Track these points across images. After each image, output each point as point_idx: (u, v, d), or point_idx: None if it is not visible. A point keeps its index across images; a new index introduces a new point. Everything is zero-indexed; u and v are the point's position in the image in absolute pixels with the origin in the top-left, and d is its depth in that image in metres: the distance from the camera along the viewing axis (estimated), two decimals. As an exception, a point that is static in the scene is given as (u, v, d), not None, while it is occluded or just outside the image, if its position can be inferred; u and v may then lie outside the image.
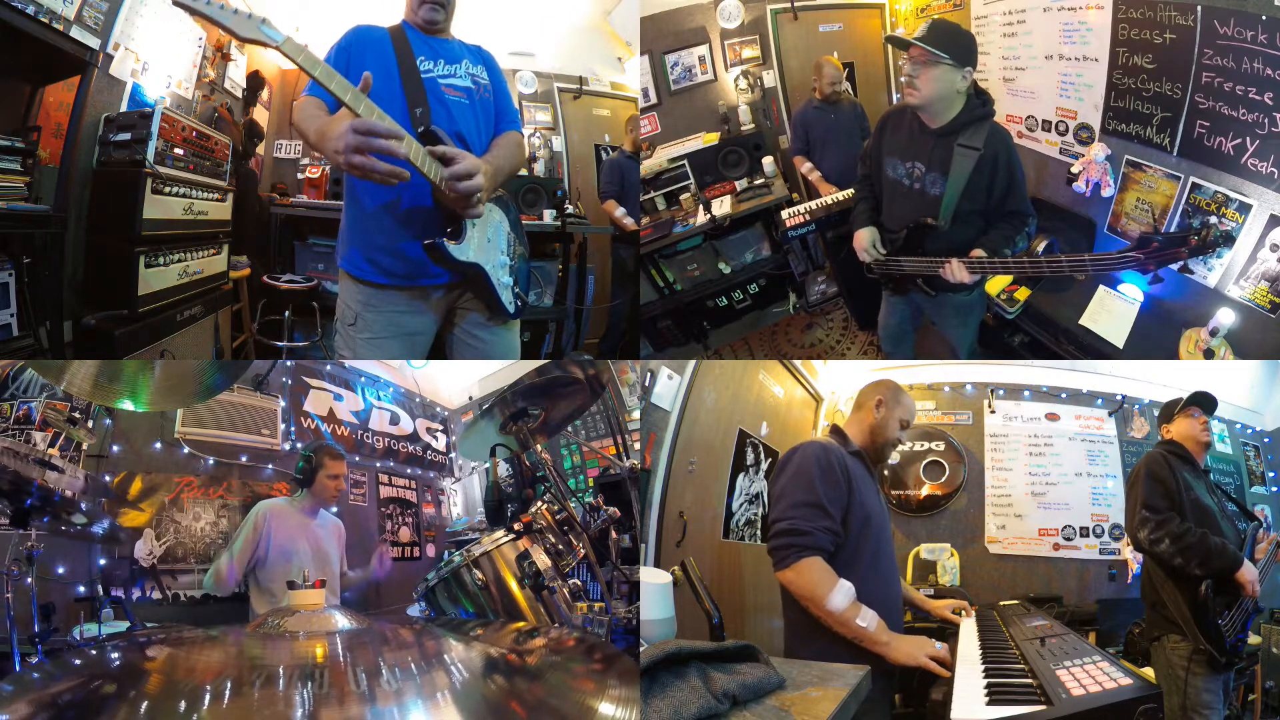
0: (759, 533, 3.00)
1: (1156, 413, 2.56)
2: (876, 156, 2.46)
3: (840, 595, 1.60)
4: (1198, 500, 2.12)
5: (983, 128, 2.17)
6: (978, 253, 2.15)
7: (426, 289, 1.95)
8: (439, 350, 2.10)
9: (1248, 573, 1.99)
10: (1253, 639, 2.73)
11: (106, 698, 0.78)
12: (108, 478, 2.69)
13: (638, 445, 2.58)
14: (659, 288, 4.02)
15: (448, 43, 1.99)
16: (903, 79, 2.19)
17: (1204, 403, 2.29)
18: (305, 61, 1.55)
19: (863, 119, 3.91)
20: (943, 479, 3.67)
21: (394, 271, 1.91)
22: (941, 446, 3.70)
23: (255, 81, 4.26)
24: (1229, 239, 2.30)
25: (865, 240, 2.46)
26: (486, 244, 1.94)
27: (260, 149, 4.49)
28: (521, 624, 1.57)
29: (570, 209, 4.81)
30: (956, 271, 2.13)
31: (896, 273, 2.44)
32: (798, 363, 3.55)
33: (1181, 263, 1.84)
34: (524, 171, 5.26)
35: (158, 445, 2.93)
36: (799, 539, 1.65)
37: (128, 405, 1.64)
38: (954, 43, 2.12)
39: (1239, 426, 4.03)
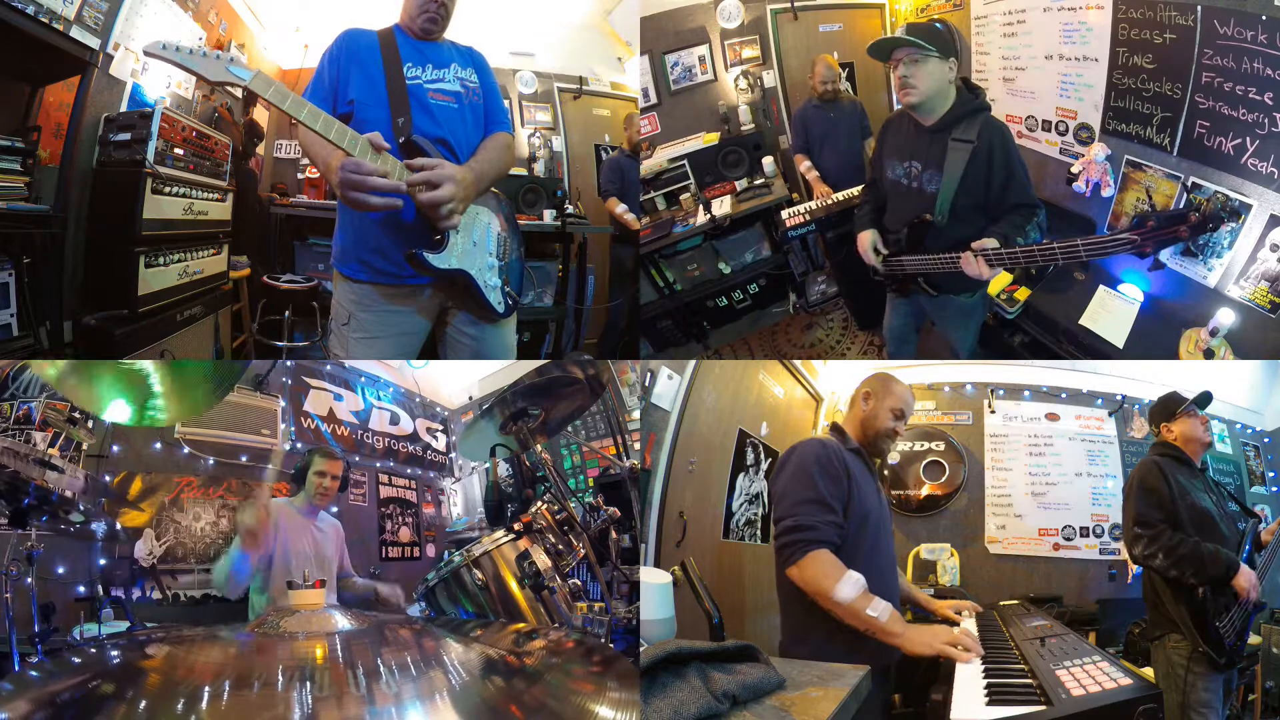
0: (759, 533, 3.00)
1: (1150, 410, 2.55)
2: (879, 160, 2.49)
3: (848, 585, 1.59)
4: (1194, 505, 2.11)
5: (976, 120, 2.16)
6: (990, 243, 2.06)
7: (417, 288, 1.98)
8: (431, 348, 2.13)
9: (1244, 578, 1.99)
10: (1253, 639, 2.73)
11: (105, 697, 0.78)
12: (108, 478, 2.69)
13: (638, 445, 2.58)
14: (659, 288, 4.02)
15: (438, 46, 2.01)
16: (898, 82, 2.19)
17: (1203, 402, 2.29)
18: (274, 96, 1.59)
19: (863, 118, 3.91)
20: (943, 479, 3.67)
21: (385, 270, 1.94)
22: (941, 446, 3.70)
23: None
24: (1234, 212, 2.27)
25: (866, 243, 2.48)
26: (472, 248, 1.96)
27: (260, 149, 4.49)
28: (521, 625, 1.57)
29: (570, 209, 4.81)
30: (975, 264, 2.06)
31: (899, 273, 2.44)
32: (798, 363, 3.55)
33: (1185, 243, 1.74)
34: (524, 171, 5.26)
35: (158, 445, 2.93)
36: (805, 534, 1.64)
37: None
38: (934, 36, 2.14)
39: (1239, 426, 4.02)
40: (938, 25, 2.27)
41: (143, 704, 0.76)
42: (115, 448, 2.75)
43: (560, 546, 1.86)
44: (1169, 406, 2.34)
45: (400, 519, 4.09)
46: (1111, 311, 2.78)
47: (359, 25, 2.00)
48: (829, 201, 3.59)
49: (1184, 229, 1.71)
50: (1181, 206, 2.56)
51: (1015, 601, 2.95)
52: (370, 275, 1.95)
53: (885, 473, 3.66)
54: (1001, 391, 3.77)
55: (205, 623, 2.42)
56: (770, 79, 4.52)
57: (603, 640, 1.63)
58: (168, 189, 3.09)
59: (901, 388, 1.97)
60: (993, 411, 3.75)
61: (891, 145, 2.41)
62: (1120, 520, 3.49)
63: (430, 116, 1.91)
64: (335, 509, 2.92)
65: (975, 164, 2.13)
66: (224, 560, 2.39)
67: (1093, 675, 1.47)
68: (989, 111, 2.21)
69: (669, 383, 2.59)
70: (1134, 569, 3.38)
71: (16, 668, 1.67)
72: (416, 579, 2.02)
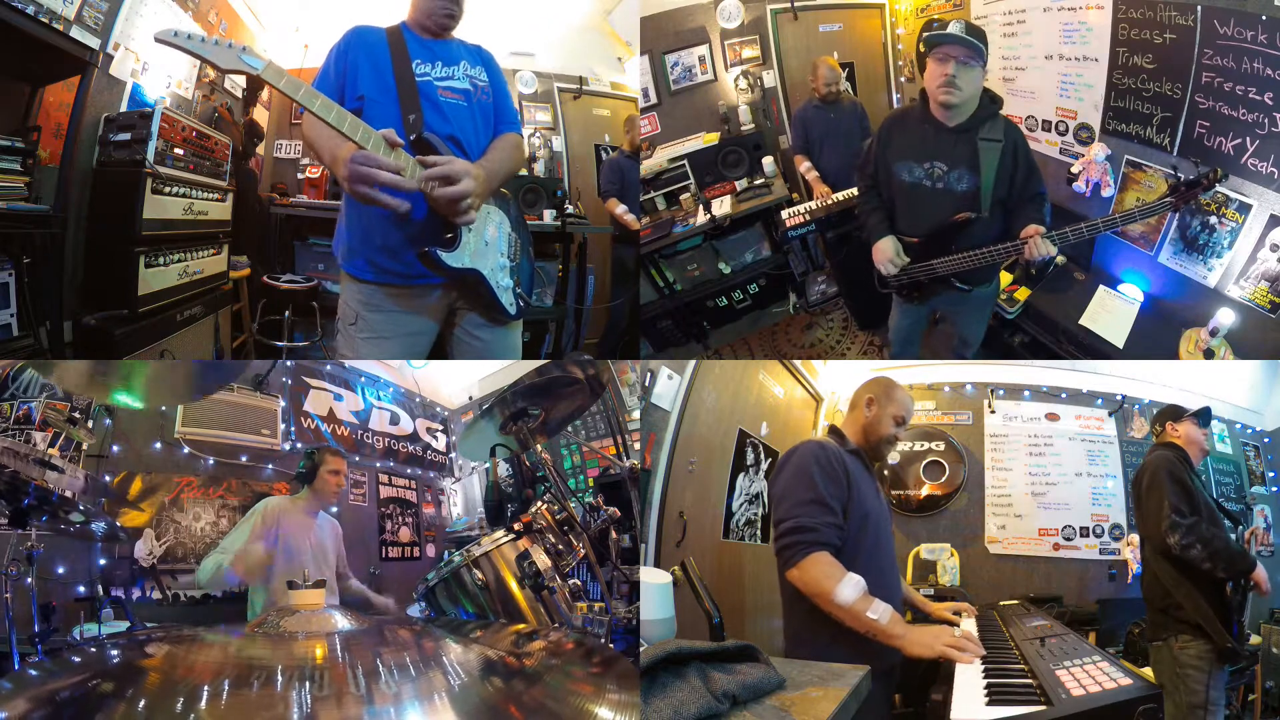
0: (759, 533, 3.00)
1: (1155, 413, 2.58)
2: (883, 163, 2.41)
3: (849, 588, 1.58)
4: (1206, 502, 2.17)
5: (998, 121, 2.23)
6: (1039, 227, 2.16)
7: (425, 288, 1.95)
8: (440, 349, 2.10)
9: (1262, 572, 2.05)
10: (1253, 639, 2.73)
11: (105, 696, 0.78)
12: (108, 478, 2.69)
13: (638, 445, 2.58)
14: (659, 288, 4.02)
15: (447, 44, 1.98)
16: (941, 78, 2.16)
17: (1206, 417, 2.39)
18: (287, 86, 1.60)
19: (863, 118, 3.91)
20: (943, 479, 3.67)
21: (393, 270, 1.90)
22: (941, 446, 3.70)
23: (255, 81, 4.25)
24: (1226, 175, 2.35)
25: (890, 250, 2.37)
26: (484, 247, 1.93)
27: (260, 149, 4.49)
28: (521, 626, 1.57)
29: (570, 209, 4.81)
30: (1041, 247, 2.12)
31: (925, 277, 2.40)
32: (798, 363, 3.55)
33: (1198, 197, 2.16)
34: (524, 171, 5.26)
35: (158, 445, 2.93)
36: (805, 535, 1.64)
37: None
38: (986, 43, 2.17)
39: (1239, 426, 4.03)
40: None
41: (142, 704, 0.76)
42: (115, 448, 2.75)
43: (560, 546, 1.86)
44: (1177, 410, 2.41)
45: (400, 519, 4.09)
46: (1111, 311, 2.78)
47: (359, 26, 1.94)
48: (829, 201, 3.59)
49: (1199, 189, 2.05)
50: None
51: (1015, 601, 2.96)
52: (378, 275, 1.92)
53: (885, 473, 3.66)
54: (1001, 391, 3.77)
55: (205, 623, 2.42)
56: (770, 79, 4.52)
57: (603, 640, 1.63)
58: (168, 189, 3.09)
59: (904, 394, 1.96)
60: (993, 411, 3.75)
61: (900, 147, 2.35)
62: (1121, 520, 3.53)
63: (440, 114, 1.88)
64: (335, 508, 2.92)
65: (1004, 161, 2.21)
66: (214, 566, 2.41)
67: (1093, 675, 1.47)
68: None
69: (669, 383, 2.59)
70: (1134, 569, 3.38)
71: (16, 668, 1.67)
72: (416, 579, 2.02)
